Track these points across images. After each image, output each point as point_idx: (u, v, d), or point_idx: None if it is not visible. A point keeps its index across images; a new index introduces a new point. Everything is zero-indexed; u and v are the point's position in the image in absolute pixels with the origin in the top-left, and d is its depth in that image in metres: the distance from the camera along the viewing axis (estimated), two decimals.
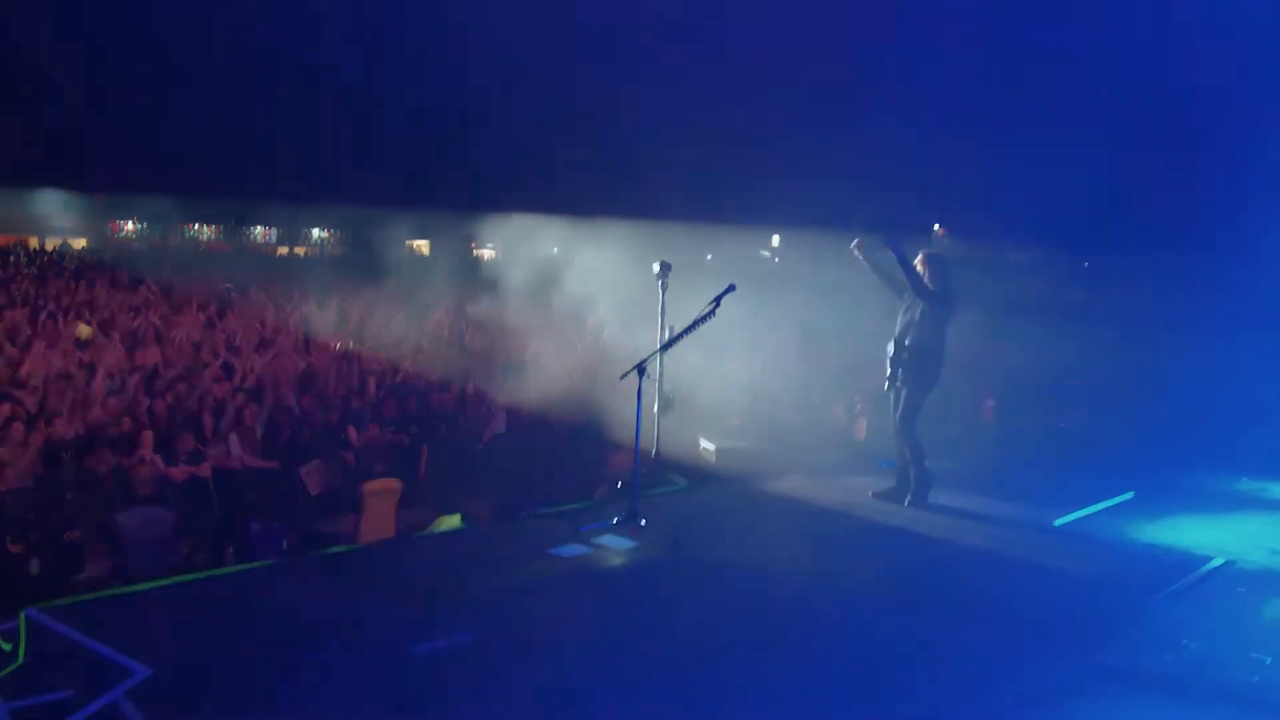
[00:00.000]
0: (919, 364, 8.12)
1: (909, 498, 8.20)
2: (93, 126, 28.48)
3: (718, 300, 7.24)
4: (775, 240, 39.15)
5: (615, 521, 7.12)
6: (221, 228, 43.72)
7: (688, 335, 7.35)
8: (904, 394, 8.20)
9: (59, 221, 37.39)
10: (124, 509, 7.88)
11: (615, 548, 6.69)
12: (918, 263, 8.26)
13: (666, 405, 8.37)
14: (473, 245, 44.12)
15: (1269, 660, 5.16)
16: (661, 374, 7.97)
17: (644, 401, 7.31)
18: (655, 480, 8.56)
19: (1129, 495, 8.52)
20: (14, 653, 4.67)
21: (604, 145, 24.52)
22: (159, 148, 28.70)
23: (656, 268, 7.93)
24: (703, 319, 7.22)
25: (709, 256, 24.77)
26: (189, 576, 6.36)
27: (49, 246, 33.60)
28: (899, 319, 8.29)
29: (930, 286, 8.12)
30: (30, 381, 10.48)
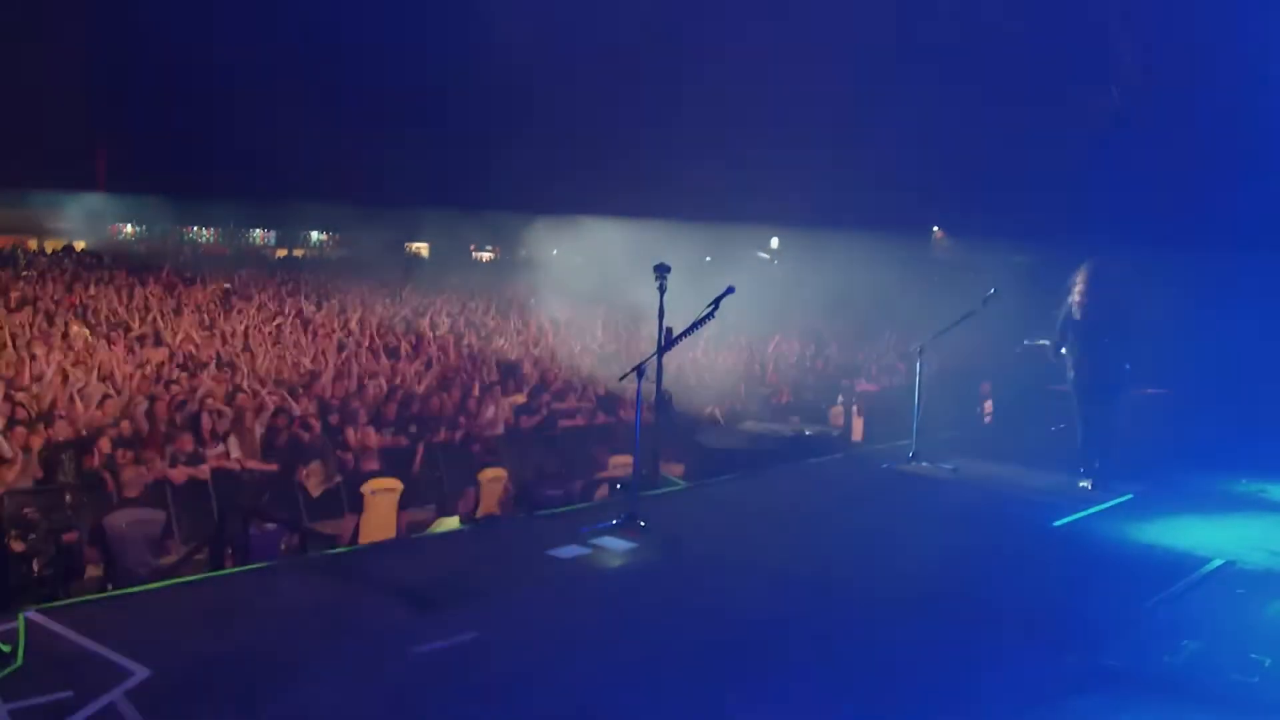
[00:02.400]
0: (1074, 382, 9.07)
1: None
2: (96, 126, 28.47)
3: (717, 302, 7.24)
4: (774, 242, 39.16)
5: (615, 522, 7.12)
6: (220, 230, 43.66)
7: (687, 337, 7.35)
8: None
9: (61, 223, 37.37)
10: (113, 510, 7.87)
11: (615, 549, 6.69)
12: (1079, 279, 8.93)
13: (665, 406, 8.37)
14: (471, 247, 44.17)
15: (1269, 661, 5.16)
16: (661, 375, 7.97)
17: (643, 402, 7.31)
18: (655, 481, 8.57)
19: (1128, 496, 8.52)
20: (13, 654, 4.66)
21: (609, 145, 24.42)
22: (161, 148, 28.66)
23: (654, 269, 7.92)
24: (702, 321, 7.22)
25: (708, 258, 24.77)
26: (188, 578, 6.36)
27: (49, 248, 33.57)
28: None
29: (1084, 301, 8.81)
30: (30, 383, 10.48)
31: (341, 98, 27.21)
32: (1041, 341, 9.58)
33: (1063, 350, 9.12)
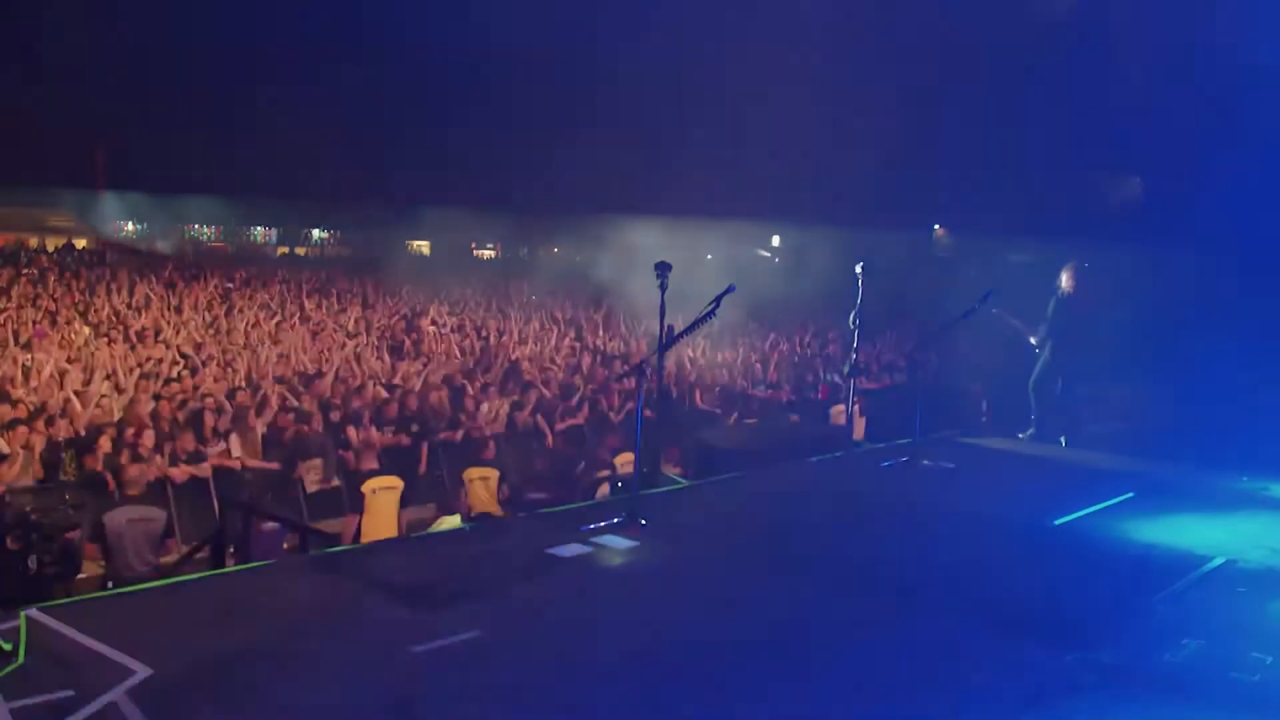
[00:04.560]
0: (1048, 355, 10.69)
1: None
2: (97, 124, 28.46)
3: (717, 300, 7.23)
4: (775, 240, 39.15)
5: (616, 521, 7.12)
6: (221, 228, 43.68)
7: (688, 335, 7.35)
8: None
9: (62, 221, 37.43)
10: (114, 508, 7.88)
11: (616, 547, 6.69)
12: (1067, 274, 10.59)
13: (667, 404, 8.38)
14: (471, 245, 44.15)
15: (1269, 660, 5.16)
16: (662, 373, 7.97)
17: (644, 401, 7.31)
18: (656, 479, 8.56)
19: (1129, 495, 8.51)
20: (14, 652, 4.66)
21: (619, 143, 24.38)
22: (162, 145, 28.68)
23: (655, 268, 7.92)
24: (703, 319, 7.22)
25: (709, 256, 24.79)
26: (190, 576, 6.36)
27: (50, 246, 33.57)
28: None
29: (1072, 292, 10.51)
30: (31, 382, 10.48)
31: (342, 97, 27.26)
32: (1013, 320, 10.89)
33: (1033, 339, 10.72)
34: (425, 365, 13.27)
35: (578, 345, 15.89)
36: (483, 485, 9.61)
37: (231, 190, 33.83)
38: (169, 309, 16.69)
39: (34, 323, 13.98)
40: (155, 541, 7.91)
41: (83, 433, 9.24)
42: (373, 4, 26.63)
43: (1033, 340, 10.76)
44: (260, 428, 10.01)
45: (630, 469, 7.94)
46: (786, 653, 5.15)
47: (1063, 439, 10.54)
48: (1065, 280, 10.64)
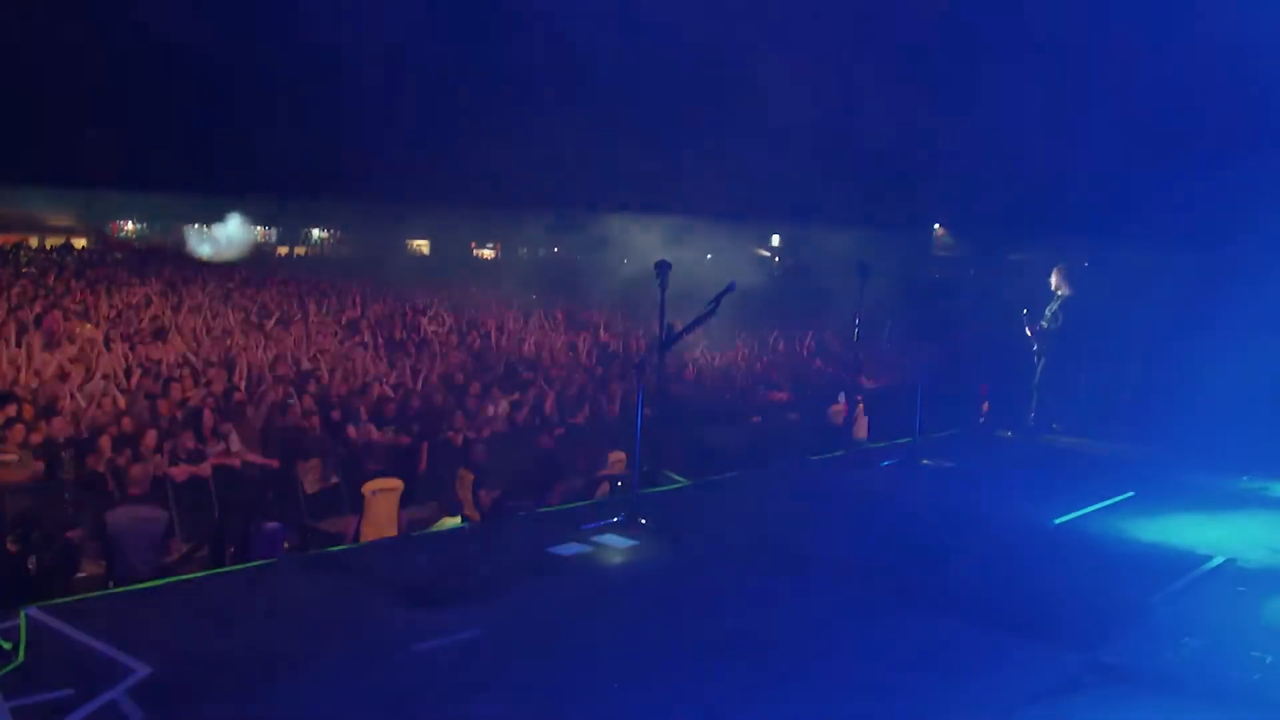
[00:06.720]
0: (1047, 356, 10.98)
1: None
2: (97, 123, 28.43)
3: (718, 299, 7.22)
4: (775, 239, 39.15)
5: (616, 520, 7.11)
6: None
7: (688, 334, 7.34)
8: None
9: (62, 220, 37.44)
10: (114, 508, 7.87)
11: (616, 546, 6.69)
12: (1060, 278, 10.81)
13: (667, 402, 8.38)
14: (472, 245, 44.14)
15: (1269, 659, 5.16)
16: (663, 371, 7.96)
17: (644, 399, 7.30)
18: (655, 479, 8.55)
19: (1129, 494, 8.51)
20: (14, 651, 4.66)
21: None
22: (161, 144, 28.65)
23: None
24: (703, 318, 7.22)
25: (709, 256, 24.82)
26: (190, 575, 6.36)
27: (49, 245, 33.59)
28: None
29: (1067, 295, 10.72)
30: (32, 381, 10.48)
31: (339, 96, 27.25)
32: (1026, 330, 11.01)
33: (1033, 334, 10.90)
34: (425, 365, 13.27)
35: (577, 344, 15.89)
36: (459, 486, 9.57)
37: (232, 189, 33.84)
38: (168, 308, 16.70)
39: (34, 322, 13.98)
40: (156, 540, 7.91)
41: (83, 432, 9.24)
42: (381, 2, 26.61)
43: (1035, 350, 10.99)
44: (260, 426, 10.00)
45: (630, 468, 7.93)
46: (786, 652, 5.15)
47: (1054, 425, 11.05)
48: (1056, 283, 10.88)
